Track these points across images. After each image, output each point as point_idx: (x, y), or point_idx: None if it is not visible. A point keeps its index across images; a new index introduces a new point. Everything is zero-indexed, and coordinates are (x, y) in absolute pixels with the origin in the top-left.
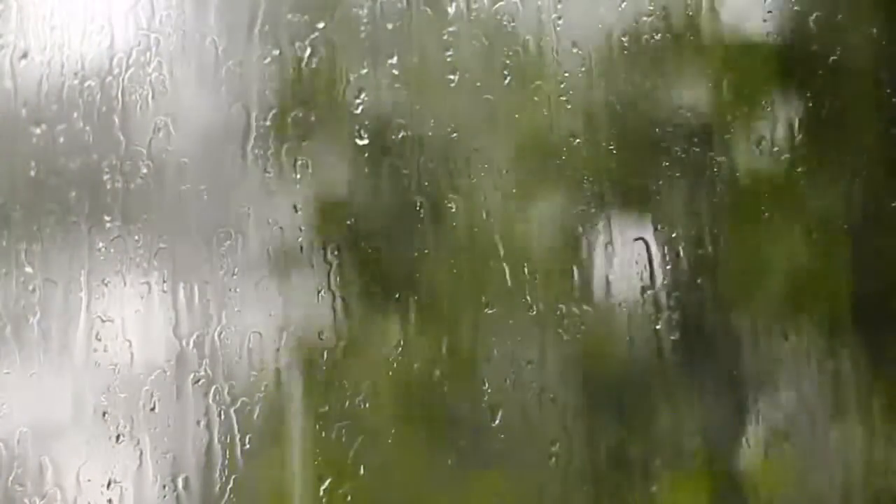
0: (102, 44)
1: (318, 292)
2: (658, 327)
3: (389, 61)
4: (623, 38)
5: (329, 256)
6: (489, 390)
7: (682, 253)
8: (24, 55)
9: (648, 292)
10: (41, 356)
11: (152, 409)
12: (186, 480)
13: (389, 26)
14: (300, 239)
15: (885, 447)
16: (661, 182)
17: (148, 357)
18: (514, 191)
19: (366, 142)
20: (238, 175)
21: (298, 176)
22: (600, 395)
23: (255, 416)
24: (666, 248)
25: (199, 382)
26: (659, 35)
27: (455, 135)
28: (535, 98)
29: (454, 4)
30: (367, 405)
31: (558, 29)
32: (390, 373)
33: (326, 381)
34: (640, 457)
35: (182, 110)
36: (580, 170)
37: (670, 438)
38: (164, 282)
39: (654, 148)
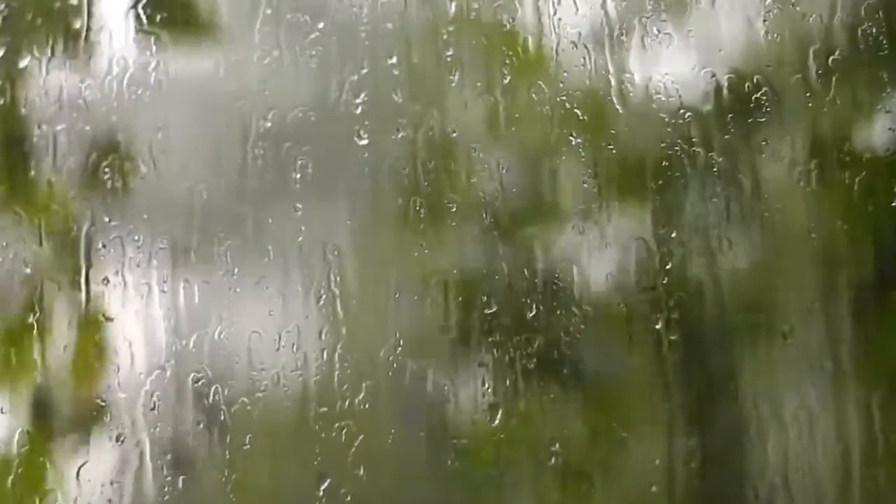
0: (103, 43)
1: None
2: None
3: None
4: None
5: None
6: None
7: None
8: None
9: None
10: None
11: (152, 409)
12: (186, 480)
13: (389, 26)
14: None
15: None
16: None
17: (148, 357)
18: None
19: None
20: (238, 175)
21: (298, 175)
22: None
23: (256, 416)
24: None
25: (199, 382)
26: None
27: None
28: None
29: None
30: None
31: None
32: None
33: None
34: None
35: (182, 110)
36: None
37: None
38: (164, 282)
39: None
